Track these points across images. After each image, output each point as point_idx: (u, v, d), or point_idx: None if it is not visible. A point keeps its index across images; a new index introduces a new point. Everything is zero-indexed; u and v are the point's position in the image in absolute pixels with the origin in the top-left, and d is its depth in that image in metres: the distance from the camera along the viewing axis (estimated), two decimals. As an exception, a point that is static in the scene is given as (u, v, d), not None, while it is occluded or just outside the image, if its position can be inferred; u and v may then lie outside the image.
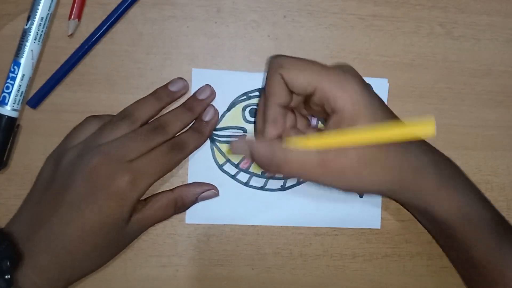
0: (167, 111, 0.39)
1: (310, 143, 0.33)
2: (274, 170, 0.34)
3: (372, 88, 0.34)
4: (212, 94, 0.40)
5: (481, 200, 0.37)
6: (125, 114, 0.37)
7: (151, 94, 0.39)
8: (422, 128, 0.28)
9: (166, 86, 0.39)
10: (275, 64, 0.34)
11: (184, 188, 0.39)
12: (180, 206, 0.38)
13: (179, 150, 0.37)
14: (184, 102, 0.39)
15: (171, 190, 0.39)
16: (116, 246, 0.36)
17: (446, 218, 0.36)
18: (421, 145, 0.36)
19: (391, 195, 0.37)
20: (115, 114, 0.37)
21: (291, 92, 0.34)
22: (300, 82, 0.33)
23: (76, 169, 0.34)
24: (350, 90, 0.32)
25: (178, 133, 0.38)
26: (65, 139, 0.37)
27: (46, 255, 0.33)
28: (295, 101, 0.35)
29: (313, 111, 0.35)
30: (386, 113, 0.34)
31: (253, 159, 0.34)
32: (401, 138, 0.30)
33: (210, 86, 0.40)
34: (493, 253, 0.35)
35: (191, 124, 0.39)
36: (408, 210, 0.41)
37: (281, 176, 0.35)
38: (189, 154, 0.38)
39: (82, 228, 0.33)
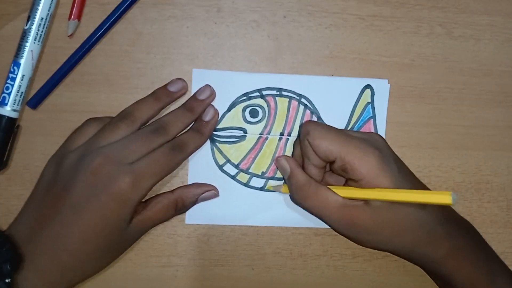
0: (167, 111, 0.39)
1: (339, 192, 0.36)
2: (300, 197, 0.37)
3: (392, 156, 0.37)
4: (212, 95, 0.40)
5: (494, 266, 0.38)
6: (125, 115, 0.36)
7: (150, 94, 0.38)
8: (439, 197, 0.31)
9: (165, 86, 0.39)
10: (303, 131, 0.37)
11: (184, 189, 0.39)
12: (181, 207, 0.38)
13: (180, 151, 0.37)
14: (184, 103, 0.39)
15: (171, 191, 0.38)
16: (118, 248, 0.36)
17: (456, 285, 0.37)
18: (438, 215, 0.37)
19: (400, 256, 0.38)
20: (115, 115, 0.37)
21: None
22: (323, 150, 0.35)
23: (77, 172, 0.34)
24: (367, 165, 0.34)
25: (179, 134, 0.38)
26: (65, 142, 0.37)
27: (48, 257, 0.32)
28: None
29: (337, 173, 0.37)
30: (405, 181, 0.36)
31: (289, 179, 0.38)
32: (416, 201, 0.33)
33: (210, 86, 0.40)
34: None
35: (192, 124, 0.39)
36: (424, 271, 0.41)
37: (303, 207, 0.38)
38: (190, 155, 0.38)
39: (84, 230, 0.33)
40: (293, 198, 0.38)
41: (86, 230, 0.33)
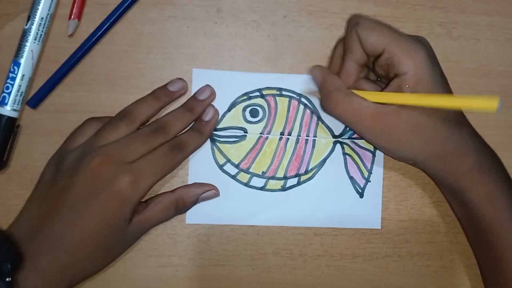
0: (166, 111, 0.39)
1: (370, 97, 0.35)
2: (331, 103, 0.36)
3: (436, 59, 0.36)
4: (212, 95, 0.40)
5: None
6: (124, 114, 0.37)
7: (150, 94, 0.39)
8: (485, 102, 0.29)
9: (165, 86, 0.39)
10: (353, 21, 0.36)
11: (184, 189, 0.39)
12: (181, 207, 0.38)
13: (180, 150, 0.37)
14: (184, 103, 0.39)
15: (172, 191, 0.39)
16: (118, 247, 0.36)
17: (476, 203, 0.36)
18: (470, 131, 0.37)
19: (425, 167, 0.38)
20: (114, 114, 0.37)
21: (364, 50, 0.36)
22: (372, 41, 0.34)
23: (77, 171, 0.34)
24: (415, 58, 0.34)
25: (179, 134, 0.38)
26: (65, 142, 0.37)
27: (48, 257, 0.33)
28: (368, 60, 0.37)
29: (379, 73, 0.37)
30: (445, 87, 0.36)
31: (321, 86, 0.37)
32: (461, 107, 0.32)
33: (210, 86, 0.40)
34: None
35: (192, 124, 0.39)
36: (440, 189, 0.41)
37: (332, 115, 0.37)
38: (190, 154, 0.38)
39: (83, 230, 0.33)
40: (323, 106, 0.37)
41: (86, 229, 0.33)
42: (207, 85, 0.40)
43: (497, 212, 0.36)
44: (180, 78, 0.39)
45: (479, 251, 0.40)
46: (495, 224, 0.36)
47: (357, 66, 0.36)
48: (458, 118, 0.36)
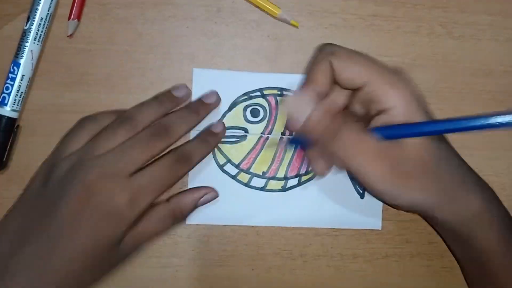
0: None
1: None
2: (327, 137, 0.31)
3: (418, 90, 0.33)
4: (218, 101, 0.39)
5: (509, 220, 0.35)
6: (125, 119, 0.34)
7: (153, 98, 0.37)
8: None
9: (169, 91, 0.37)
10: (327, 51, 0.32)
11: (181, 197, 0.36)
12: (179, 215, 0.36)
13: (185, 163, 0.34)
14: (188, 104, 0.37)
15: (167, 200, 0.36)
16: (107, 266, 0.34)
17: (485, 248, 0.33)
18: (464, 163, 0.33)
19: (432, 211, 0.33)
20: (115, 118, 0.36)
21: (332, 83, 0.32)
22: (350, 73, 0.31)
23: (69, 185, 0.31)
24: (403, 89, 0.30)
25: (181, 142, 0.36)
26: (57, 146, 0.34)
27: (32, 274, 0.30)
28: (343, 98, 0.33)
29: (357, 111, 0.33)
30: (431, 116, 0.32)
31: (311, 117, 0.31)
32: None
33: (217, 92, 0.39)
34: None
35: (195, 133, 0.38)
36: (442, 235, 0.38)
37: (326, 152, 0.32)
38: (194, 167, 0.36)
39: (72, 250, 0.30)
40: (332, 147, 0.31)
41: (75, 249, 0.30)
42: (214, 91, 0.39)
43: (509, 258, 0.33)
44: (184, 84, 0.39)
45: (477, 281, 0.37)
46: (506, 269, 0.33)
47: (317, 98, 0.32)
48: (454, 153, 0.33)
